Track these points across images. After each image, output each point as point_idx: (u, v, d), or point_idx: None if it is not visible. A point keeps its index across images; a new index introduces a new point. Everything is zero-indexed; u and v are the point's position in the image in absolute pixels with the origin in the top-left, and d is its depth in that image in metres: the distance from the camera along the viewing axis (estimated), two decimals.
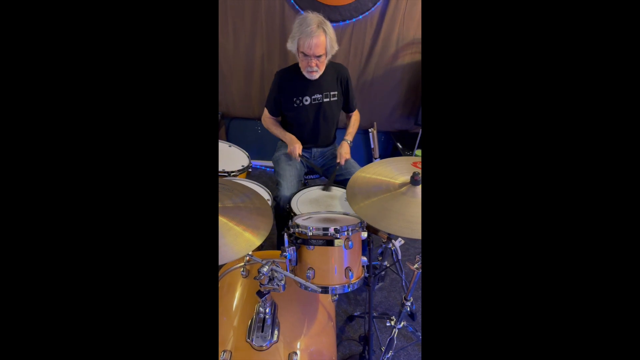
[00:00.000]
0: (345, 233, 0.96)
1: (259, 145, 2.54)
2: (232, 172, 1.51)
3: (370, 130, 1.73)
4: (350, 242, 0.97)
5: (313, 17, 1.43)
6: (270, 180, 2.46)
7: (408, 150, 2.19)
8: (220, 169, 1.50)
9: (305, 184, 1.76)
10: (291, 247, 0.99)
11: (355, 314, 1.59)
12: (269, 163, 2.58)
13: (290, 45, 1.50)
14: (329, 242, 0.95)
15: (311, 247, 0.97)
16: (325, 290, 0.96)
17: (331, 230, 0.95)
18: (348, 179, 1.61)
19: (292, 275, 0.94)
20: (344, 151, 1.62)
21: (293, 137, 1.65)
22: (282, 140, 1.78)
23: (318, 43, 1.41)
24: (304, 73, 1.53)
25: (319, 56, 1.46)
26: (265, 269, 0.92)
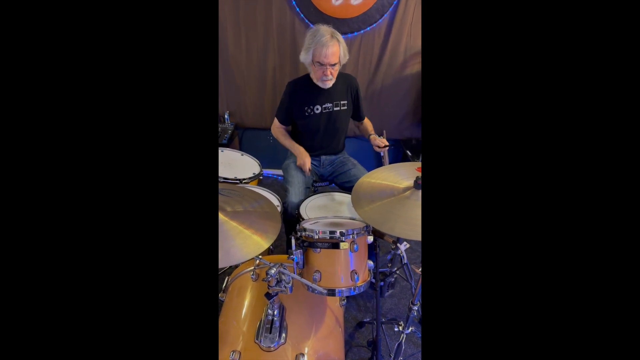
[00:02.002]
0: (351, 236, 0.98)
1: (271, 155, 2.60)
2: (244, 179, 1.57)
3: (380, 137, 1.77)
4: (355, 246, 0.99)
5: (325, 28, 1.50)
6: (282, 188, 2.50)
7: (417, 157, 2.20)
8: (232, 176, 1.56)
9: (315, 191, 1.80)
10: (298, 250, 1.02)
11: (365, 320, 1.60)
12: (281, 172, 2.63)
13: (304, 57, 1.56)
14: (335, 245, 0.98)
15: (317, 250, 1.00)
16: (331, 292, 0.99)
17: (337, 234, 0.98)
18: None
19: (298, 277, 0.97)
20: (378, 140, 1.65)
21: (302, 149, 1.70)
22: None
23: (334, 52, 1.48)
24: (318, 83, 1.58)
25: (334, 64, 1.52)
26: (273, 271, 0.96)
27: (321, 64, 1.51)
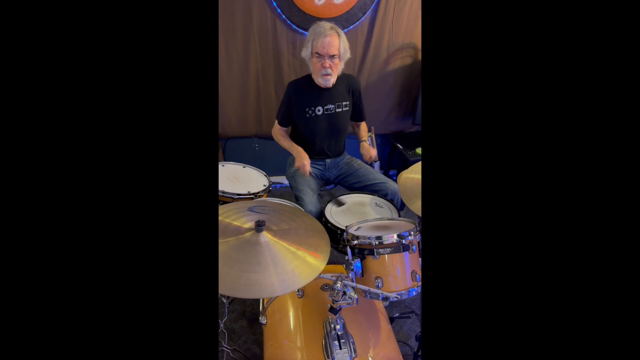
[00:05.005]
0: (409, 237, 0.99)
1: (258, 162, 2.48)
2: (257, 192, 1.49)
3: (368, 134, 1.80)
4: (414, 247, 0.99)
5: (326, 22, 1.51)
6: (276, 194, 2.43)
7: (408, 149, 2.27)
8: (245, 191, 1.47)
9: (321, 196, 1.77)
10: (356, 259, 1.00)
11: (394, 315, 1.61)
12: (274, 179, 2.54)
13: (305, 52, 1.54)
14: (396, 249, 0.97)
15: (377, 256, 0.99)
16: (397, 296, 0.98)
17: (395, 237, 0.98)
18: (367, 185, 1.66)
19: (366, 288, 0.95)
20: (368, 148, 1.67)
21: (301, 150, 1.65)
22: (292, 156, 1.78)
23: (331, 42, 1.47)
24: (319, 79, 1.55)
25: (333, 56, 1.50)
26: (339, 285, 0.93)
27: (319, 55, 1.49)
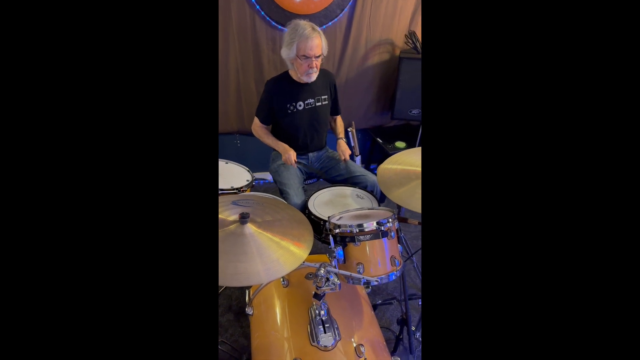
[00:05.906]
0: (387, 224, 1.04)
1: (240, 159, 2.48)
2: (241, 187, 1.51)
3: (349, 129, 1.84)
4: (392, 233, 1.05)
5: (305, 22, 1.52)
6: (259, 190, 2.44)
7: (389, 143, 2.33)
8: (228, 186, 1.49)
9: (304, 190, 1.80)
10: (338, 247, 1.04)
11: (377, 302, 1.67)
12: (257, 175, 2.55)
13: (287, 53, 1.55)
14: (376, 236, 1.02)
15: (358, 243, 1.03)
16: (379, 280, 1.03)
17: (375, 225, 1.03)
18: (348, 178, 1.71)
19: (348, 273, 1.00)
20: (344, 148, 1.73)
21: (285, 145, 1.70)
22: (276, 151, 1.80)
23: (318, 44, 1.51)
24: (303, 77, 1.59)
25: (318, 56, 1.54)
26: (322, 272, 0.97)
27: (306, 57, 1.52)
